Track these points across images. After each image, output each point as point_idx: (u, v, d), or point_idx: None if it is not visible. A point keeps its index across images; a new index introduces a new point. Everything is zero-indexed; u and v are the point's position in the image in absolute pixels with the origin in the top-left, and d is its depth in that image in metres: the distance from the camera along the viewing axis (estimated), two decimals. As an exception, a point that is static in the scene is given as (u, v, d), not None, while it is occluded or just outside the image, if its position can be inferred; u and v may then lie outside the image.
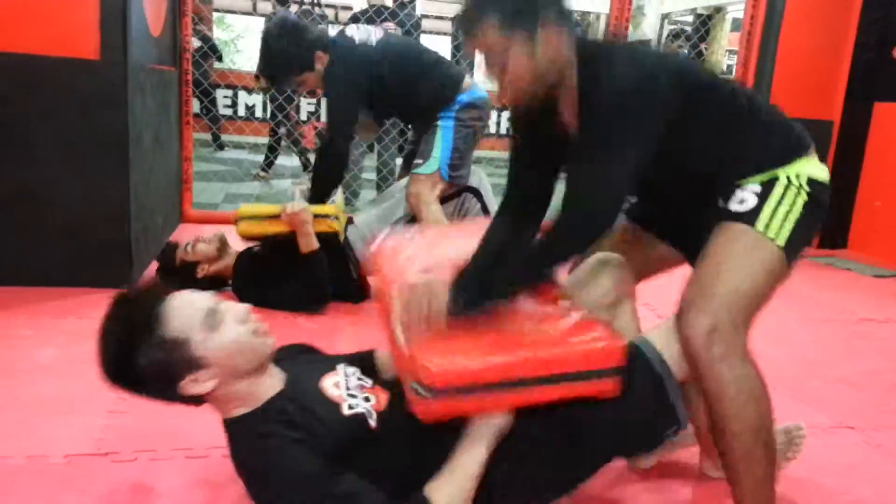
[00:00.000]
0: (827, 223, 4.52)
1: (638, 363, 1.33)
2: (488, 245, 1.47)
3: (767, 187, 1.37)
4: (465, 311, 1.30)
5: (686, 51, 7.44)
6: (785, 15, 4.40)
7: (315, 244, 2.64)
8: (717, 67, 6.97)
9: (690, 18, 9.37)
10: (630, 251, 1.58)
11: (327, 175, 2.82)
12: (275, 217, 2.67)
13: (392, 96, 2.81)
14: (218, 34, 9.67)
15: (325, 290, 2.71)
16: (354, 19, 4.64)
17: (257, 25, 12.05)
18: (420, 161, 2.77)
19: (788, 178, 1.38)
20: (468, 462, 1.24)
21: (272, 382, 1.33)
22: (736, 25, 8.29)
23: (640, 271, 1.61)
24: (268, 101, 6.02)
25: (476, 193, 2.90)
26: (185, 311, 1.23)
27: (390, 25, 4.63)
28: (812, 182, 1.39)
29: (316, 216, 2.67)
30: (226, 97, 8.58)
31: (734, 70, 4.88)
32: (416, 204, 2.73)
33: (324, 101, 2.89)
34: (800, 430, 1.69)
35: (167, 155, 3.63)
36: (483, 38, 1.30)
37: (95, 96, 2.65)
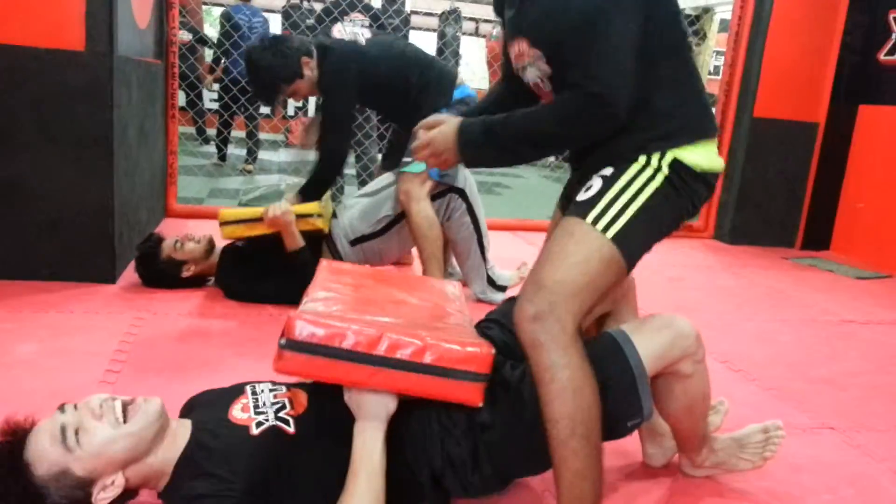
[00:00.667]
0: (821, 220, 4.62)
1: (611, 354, 1.34)
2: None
3: (620, 169, 1.32)
4: (469, 148, 1.37)
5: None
6: (772, 17, 4.44)
7: (300, 242, 2.65)
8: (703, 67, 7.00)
9: (678, 19, 9.40)
10: None
11: (327, 175, 2.82)
12: (258, 220, 2.65)
13: (387, 97, 2.81)
14: (207, 29, 9.62)
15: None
16: (327, 12, 4.59)
17: (245, 19, 11.95)
18: (409, 159, 2.76)
19: (648, 160, 1.32)
20: (367, 461, 1.23)
21: (177, 440, 1.27)
22: (724, 26, 8.33)
23: None
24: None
25: (461, 194, 2.88)
26: (42, 446, 1.18)
27: (359, 16, 4.61)
28: (678, 167, 1.32)
29: (299, 216, 2.66)
30: (213, 91, 8.52)
31: (721, 71, 4.92)
32: (406, 202, 2.73)
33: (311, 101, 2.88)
34: (778, 428, 1.69)
35: (152, 149, 3.60)
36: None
37: (80, 88, 2.63)
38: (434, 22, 9.84)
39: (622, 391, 1.33)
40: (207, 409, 1.38)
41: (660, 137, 1.33)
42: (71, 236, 2.73)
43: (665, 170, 1.32)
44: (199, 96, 7.56)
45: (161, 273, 2.77)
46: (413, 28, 8.81)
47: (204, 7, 9.30)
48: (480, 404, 1.29)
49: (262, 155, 7.21)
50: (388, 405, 1.28)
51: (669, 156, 1.32)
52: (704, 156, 1.35)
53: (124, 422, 1.21)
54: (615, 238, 1.28)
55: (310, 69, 2.72)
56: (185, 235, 2.80)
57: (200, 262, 2.79)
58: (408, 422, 1.34)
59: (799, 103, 4.62)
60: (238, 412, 1.33)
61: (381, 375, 1.24)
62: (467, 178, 2.92)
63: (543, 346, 1.24)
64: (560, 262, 1.28)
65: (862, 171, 4.61)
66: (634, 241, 1.31)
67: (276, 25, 8.41)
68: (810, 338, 2.93)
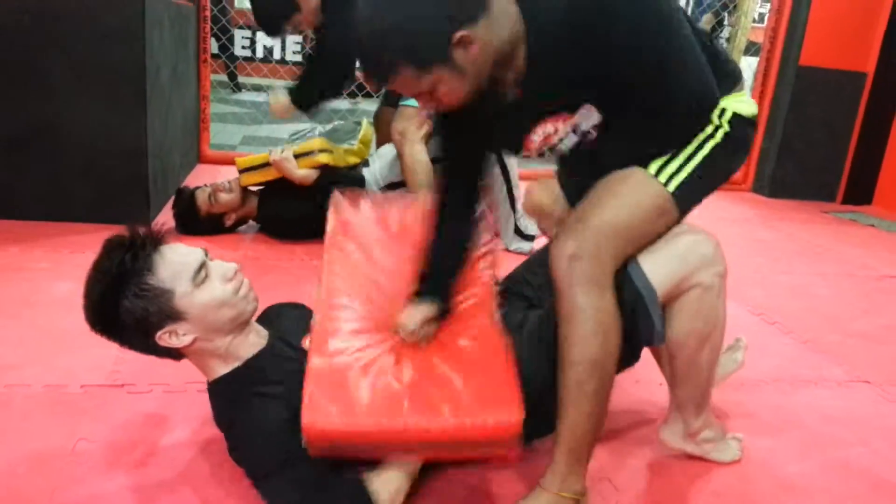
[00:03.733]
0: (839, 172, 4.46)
1: (625, 285, 1.29)
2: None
3: None
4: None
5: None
6: (822, -40, 4.23)
7: (309, 178, 2.72)
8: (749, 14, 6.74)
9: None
10: None
11: (324, 72, 2.66)
12: (268, 164, 2.76)
13: None
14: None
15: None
16: None
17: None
18: None
19: (710, 117, 1.30)
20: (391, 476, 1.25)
21: (253, 341, 1.35)
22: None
23: None
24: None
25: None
26: (175, 262, 1.24)
27: None
28: (735, 119, 1.31)
29: (299, 156, 2.74)
30: (244, 38, 8.46)
31: (766, 18, 4.73)
32: (399, 141, 2.68)
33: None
34: (740, 340, 1.76)
35: (184, 93, 3.60)
36: (404, 85, 1.14)
37: (112, 29, 2.61)
38: None
39: (630, 316, 1.29)
40: (286, 330, 1.41)
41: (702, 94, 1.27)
42: (105, 178, 2.75)
43: (725, 126, 1.30)
44: (231, 41, 7.51)
45: (205, 227, 2.80)
46: None
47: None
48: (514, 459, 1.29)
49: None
50: None
51: (728, 111, 1.30)
52: (748, 103, 1.35)
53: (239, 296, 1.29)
54: (676, 191, 1.26)
55: (305, 1, 2.61)
56: (216, 186, 2.81)
57: (239, 209, 2.84)
58: None
59: (847, 52, 4.43)
60: (306, 343, 1.35)
61: (410, 454, 1.25)
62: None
63: (579, 285, 1.21)
64: (611, 203, 1.25)
65: (910, 123, 4.44)
66: (692, 195, 1.30)
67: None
68: (847, 292, 2.86)
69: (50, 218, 2.74)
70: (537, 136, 1.35)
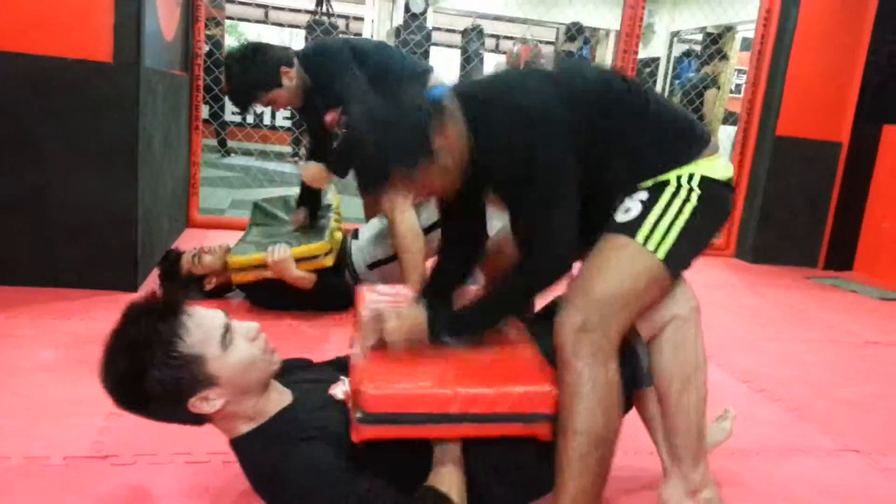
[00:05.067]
0: (833, 238, 4.55)
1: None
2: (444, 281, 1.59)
3: (655, 193, 1.37)
4: (440, 340, 1.41)
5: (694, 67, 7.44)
6: (795, 35, 4.41)
7: (309, 283, 2.67)
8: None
9: (700, 37, 9.39)
10: None
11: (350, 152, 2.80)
12: (264, 266, 2.65)
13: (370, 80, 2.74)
14: (229, 41, 9.77)
15: (340, 290, 2.76)
16: (310, 30, 4.66)
17: (269, 34, 12.12)
18: None
19: (679, 180, 1.37)
20: (451, 451, 1.30)
21: (278, 398, 1.34)
22: (746, 45, 8.30)
23: None
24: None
25: None
26: (202, 326, 1.22)
27: None
28: (705, 182, 1.38)
29: (303, 259, 2.67)
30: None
31: (743, 90, 4.89)
32: (389, 210, 2.69)
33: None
34: (728, 411, 1.78)
35: (176, 159, 3.64)
36: (400, 188, 1.32)
37: (108, 99, 2.66)
38: (456, 39, 9.91)
39: (629, 364, 1.36)
40: (309, 383, 1.42)
41: (664, 161, 1.39)
42: (94, 244, 2.75)
43: (697, 189, 1.37)
44: (222, 109, 7.64)
45: (184, 287, 2.77)
46: (435, 44, 8.88)
47: (228, 21, 9.42)
48: (551, 438, 1.30)
49: (279, 167, 7.28)
50: None
51: (697, 175, 1.38)
52: (721, 166, 1.43)
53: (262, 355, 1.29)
54: (665, 257, 1.32)
55: (289, 78, 2.70)
56: (202, 249, 2.80)
57: (220, 274, 2.79)
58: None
59: (822, 122, 4.58)
60: (339, 394, 1.37)
61: (457, 429, 1.28)
62: None
63: (586, 357, 1.25)
64: (612, 275, 1.30)
65: (886, 190, 4.56)
66: (680, 260, 1.35)
67: (299, 42, 8.50)
68: (834, 359, 2.88)
69: (37, 283, 2.72)
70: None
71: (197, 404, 1.22)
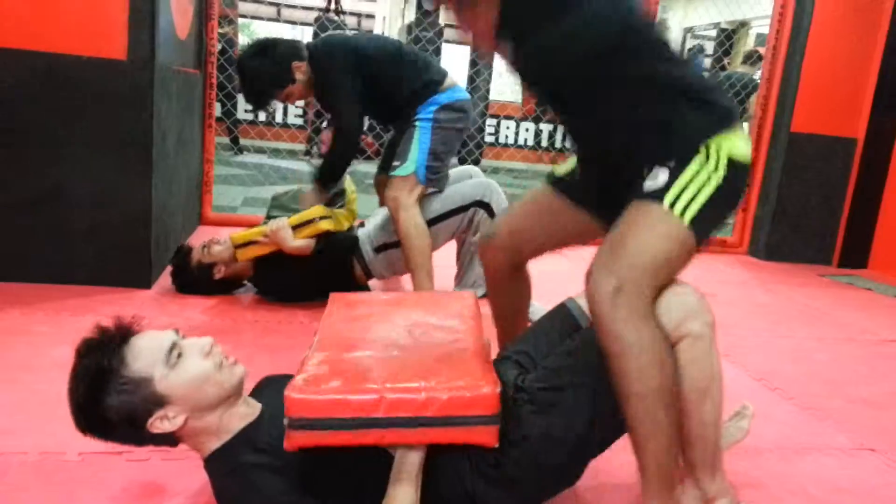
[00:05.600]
0: (839, 231, 4.51)
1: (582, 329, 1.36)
2: None
3: (682, 162, 1.37)
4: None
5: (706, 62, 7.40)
6: (811, 30, 4.37)
7: (306, 248, 2.73)
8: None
9: (714, 33, 9.33)
10: (550, 220, 1.66)
11: (343, 153, 2.82)
12: (263, 239, 2.74)
13: (374, 87, 2.76)
14: (242, 40, 9.84)
15: (344, 273, 2.79)
16: (321, 27, 4.68)
17: (282, 32, 12.15)
18: (397, 163, 2.74)
19: (708, 153, 1.37)
20: (406, 469, 1.24)
21: (245, 412, 1.33)
22: (760, 40, 8.23)
23: (557, 241, 1.70)
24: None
25: (486, 208, 2.86)
26: (146, 349, 1.24)
27: None
28: (731, 163, 1.38)
29: (298, 226, 2.73)
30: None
31: (757, 86, 4.86)
32: (394, 208, 2.70)
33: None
34: (746, 408, 1.75)
35: (189, 157, 3.66)
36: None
37: (122, 96, 2.68)
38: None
39: None
40: (279, 399, 1.38)
41: (697, 132, 1.38)
42: (109, 241, 2.77)
43: (723, 167, 1.37)
44: (235, 106, 7.67)
45: (194, 279, 2.81)
46: (447, 41, 8.86)
47: (241, 20, 9.46)
48: (496, 445, 1.23)
49: (291, 164, 7.30)
50: None
51: (725, 150, 1.37)
52: (744, 145, 1.41)
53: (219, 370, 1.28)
54: (691, 222, 1.32)
55: (302, 73, 2.73)
56: (211, 240, 2.85)
57: (230, 264, 2.82)
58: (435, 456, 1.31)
59: (838, 118, 4.54)
60: None
61: (389, 435, 1.20)
62: (494, 190, 2.88)
63: (627, 320, 1.24)
64: (640, 238, 1.31)
65: (902, 187, 4.52)
66: (704, 228, 1.35)
67: (308, 38, 8.48)
68: (848, 357, 2.86)
69: (52, 280, 2.75)
70: None
71: (157, 424, 1.24)
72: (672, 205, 1.33)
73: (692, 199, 1.34)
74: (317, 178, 2.86)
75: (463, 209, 2.85)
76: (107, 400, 1.21)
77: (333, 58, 2.72)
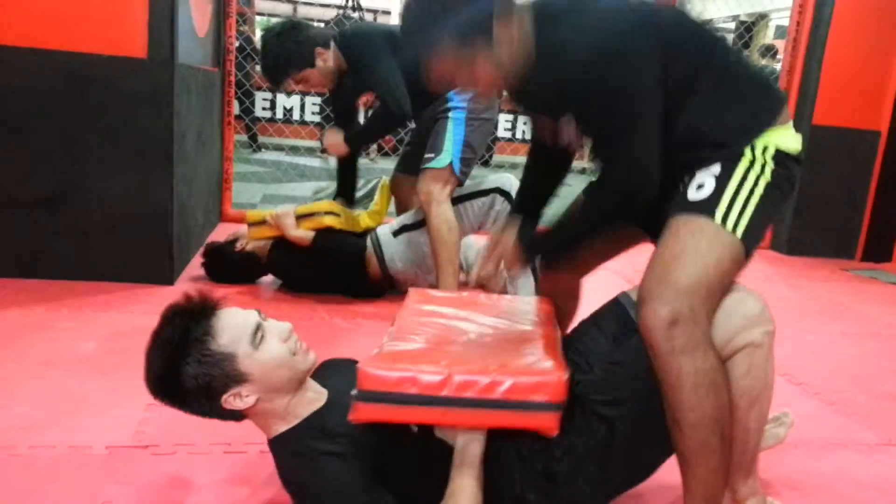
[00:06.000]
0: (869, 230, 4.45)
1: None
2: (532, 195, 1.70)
3: (729, 166, 1.33)
4: (529, 254, 1.55)
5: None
6: (832, 22, 4.31)
7: (304, 239, 2.78)
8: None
9: (733, 25, 9.24)
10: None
11: (379, 131, 2.91)
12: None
13: (408, 72, 2.69)
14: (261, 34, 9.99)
15: (353, 254, 2.82)
16: (338, 25, 4.66)
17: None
18: (431, 155, 2.70)
19: (754, 153, 1.34)
20: (469, 464, 1.24)
21: (312, 398, 1.35)
22: (780, 33, 8.15)
23: (604, 254, 1.69)
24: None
25: (505, 195, 2.83)
26: (234, 326, 1.26)
27: None
28: (779, 156, 1.35)
29: (303, 216, 2.81)
30: (265, 99, 8.69)
31: (778, 79, 4.80)
32: (426, 202, 2.68)
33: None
34: (787, 415, 1.74)
35: (209, 154, 3.68)
36: (444, 62, 1.35)
37: (142, 95, 2.70)
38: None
39: None
40: (342, 383, 1.40)
41: (742, 129, 1.35)
42: (131, 238, 2.80)
43: (771, 163, 1.34)
44: (253, 104, 7.71)
45: (219, 255, 2.94)
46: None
47: (258, 17, 9.50)
48: (556, 433, 1.23)
49: (309, 161, 7.33)
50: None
51: (771, 147, 1.34)
52: (793, 137, 1.39)
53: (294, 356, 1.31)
54: (743, 236, 1.29)
55: (323, 60, 2.72)
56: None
57: (251, 240, 2.94)
58: (487, 450, 1.30)
59: (860, 110, 4.48)
60: None
61: (452, 414, 1.22)
62: (512, 181, 2.85)
63: (686, 350, 1.20)
64: (694, 261, 1.25)
65: (927, 180, 4.45)
66: (755, 237, 1.32)
67: (327, 35, 8.47)
68: (873, 351, 2.83)
69: (76, 277, 2.78)
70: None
71: (230, 400, 1.26)
72: (724, 220, 1.28)
73: (743, 210, 1.30)
74: (346, 138, 2.84)
75: (483, 193, 2.83)
76: (187, 368, 1.22)
77: (370, 44, 2.69)
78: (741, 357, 1.29)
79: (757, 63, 6.76)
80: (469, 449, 1.25)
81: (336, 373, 1.47)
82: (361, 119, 3.09)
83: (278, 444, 1.32)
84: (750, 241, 1.30)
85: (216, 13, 3.73)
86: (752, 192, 1.31)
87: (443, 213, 2.66)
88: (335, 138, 2.84)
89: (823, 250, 4.61)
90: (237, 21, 4.17)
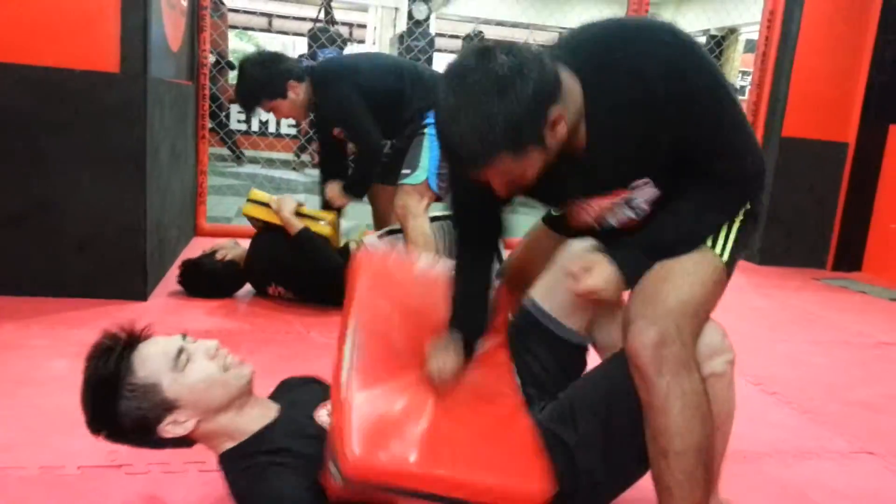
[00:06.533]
0: (850, 243, 4.53)
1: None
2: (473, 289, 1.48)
3: None
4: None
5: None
6: (800, 36, 4.41)
7: (293, 227, 2.79)
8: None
9: (703, 39, 9.39)
10: (552, 251, 1.53)
11: (367, 175, 2.93)
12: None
13: (379, 106, 2.80)
14: (240, 45, 9.90)
15: (331, 266, 2.79)
16: (314, 38, 4.75)
17: (272, 42, 12.15)
18: (407, 171, 2.77)
19: None
20: None
21: (260, 413, 1.34)
22: (749, 47, 8.29)
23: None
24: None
25: None
26: (154, 355, 1.26)
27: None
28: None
29: (306, 216, 2.87)
30: (240, 112, 8.65)
31: (747, 91, 4.89)
32: (403, 216, 2.73)
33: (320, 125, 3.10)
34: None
35: (183, 168, 3.65)
36: (498, 173, 1.13)
37: (115, 109, 2.67)
38: (459, 45, 9.93)
39: None
40: (296, 401, 1.40)
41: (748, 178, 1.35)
42: (103, 254, 2.76)
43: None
44: (228, 117, 7.67)
45: (197, 268, 2.93)
46: (438, 51, 8.90)
47: (232, 30, 9.46)
48: None
49: (285, 175, 7.30)
50: None
51: None
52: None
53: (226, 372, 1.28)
54: (727, 260, 1.30)
55: (295, 93, 2.79)
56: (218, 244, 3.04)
57: (230, 250, 2.96)
58: None
59: (828, 123, 4.57)
60: (323, 415, 1.35)
61: None
62: None
63: (669, 374, 1.18)
64: (682, 282, 1.25)
65: (893, 191, 4.55)
66: (735, 262, 1.33)
67: (302, 48, 8.50)
68: (845, 360, 2.87)
69: (47, 294, 2.73)
70: (592, 210, 1.36)
71: (168, 429, 1.25)
72: (713, 243, 1.30)
73: (727, 235, 1.31)
74: (344, 189, 2.95)
75: (444, 218, 2.87)
76: (117, 406, 1.22)
77: (338, 84, 2.77)
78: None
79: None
80: None
81: (291, 390, 1.47)
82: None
83: (226, 461, 1.31)
84: (732, 266, 1.32)
85: (190, 27, 3.72)
86: (734, 220, 1.33)
87: (419, 226, 2.69)
88: (334, 191, 2.96)
89: (795, 260, 4.68)
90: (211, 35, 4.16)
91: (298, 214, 2.86)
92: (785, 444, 2.01)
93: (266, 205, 2.92)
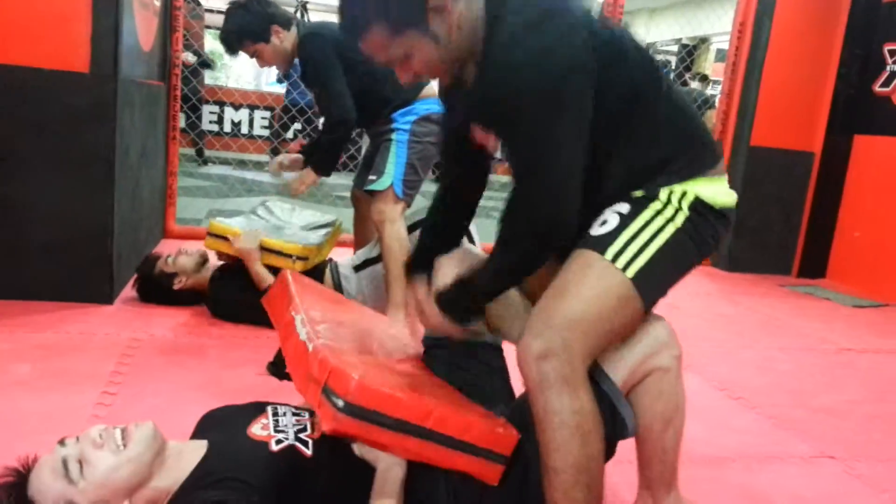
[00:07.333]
0: (810, 251, 4.63)
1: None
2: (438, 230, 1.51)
3: (637, 207, 1.26)
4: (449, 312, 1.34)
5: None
6: (769, 48, 4.49)
7: (266, 281, 2.63)
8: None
9: (675, 48, 9.52)
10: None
11: (333, 146, 2.79)
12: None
13: (359, 85, 2.72)
14: (217, 46, 9.80)
15: None
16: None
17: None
18: (373, 177, 2.73)
19: (670, 197, 1.26)
20: (389, 491, 1.23)
21: (190, 451, 1.28)
22: (720, 56, 8.42)
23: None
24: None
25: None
26: (47, 480, 1.18)
27: None
28: (699, 206, 1.27)
29: (272, 251, 2.71)
30: (212, 112, 8.58)
31: (717, 100, 4.96)
32: (380, 221, 2.69)
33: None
34: None
35: (152, 170, 3.61)
36: (375, 46, 1.18)
37: (84, 110, 2.64)
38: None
39: (604, 417, 1.26)
40: (224, 428, 1.37)
41: (664, 173, 1.28)
42: (70, 256, 2.72)
43: (686, 210, 1.27)
44: (200, 118, 7.60)
45: (154, 285, 2.82)
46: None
47: (208, 30, 9.37)
48: (496, 484, 1.27)
49: (257, 176, 7.24)
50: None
51: (690, 194, 1.27)
52: (723, 191, 1.32)
53: (124, 448, 1.20)
54: (634, 277, 1.21)
55: (279, 38, 2.70)
56: (178, 250, 2.87)
57: (192, 275, 2.83)
58: (415, 478, 1.30)
59: (795, 133, 4.66)
60: (258, 430, 1.32)
61: (422, 448, 1.23)
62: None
63: (552, 387, 1.15)
64: (574, 296, 1.20)
65: (857, 200, 4.65)
66: (653, 282, 1.25)
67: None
68: (809, 366, 2.93)
69: (11, 297, 2.68)
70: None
71: None
72: (615, 258, 1.22)
73: (640, 252, 1.22)
74: (310, 165, 2.79)
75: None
76: None
77: (323, 43, 2.68)
78: (651, 382, 1.30)
79: (693, 89, 6.97)
80: (391, 473, 1.25)
81: (212, 421, 1.44)
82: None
83: None
84: (646, 286, 1.23)
85: (162, 27, 3.68)
86: (655, 235, 1.24)
87: (396, 231, 2.68)
88: (306, 176, 2.79)
89: (762, 267, 4.76)
90: (184, 35, 4.12)
91: (263, 248, 2.72)
92: (749, 449, 2.05)
93: (226, 239, 2.75)
